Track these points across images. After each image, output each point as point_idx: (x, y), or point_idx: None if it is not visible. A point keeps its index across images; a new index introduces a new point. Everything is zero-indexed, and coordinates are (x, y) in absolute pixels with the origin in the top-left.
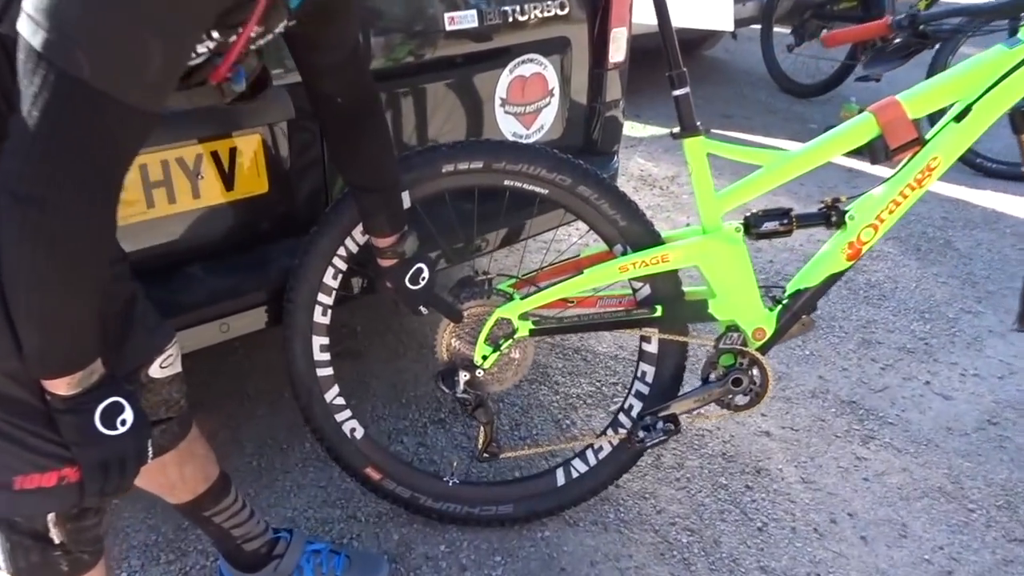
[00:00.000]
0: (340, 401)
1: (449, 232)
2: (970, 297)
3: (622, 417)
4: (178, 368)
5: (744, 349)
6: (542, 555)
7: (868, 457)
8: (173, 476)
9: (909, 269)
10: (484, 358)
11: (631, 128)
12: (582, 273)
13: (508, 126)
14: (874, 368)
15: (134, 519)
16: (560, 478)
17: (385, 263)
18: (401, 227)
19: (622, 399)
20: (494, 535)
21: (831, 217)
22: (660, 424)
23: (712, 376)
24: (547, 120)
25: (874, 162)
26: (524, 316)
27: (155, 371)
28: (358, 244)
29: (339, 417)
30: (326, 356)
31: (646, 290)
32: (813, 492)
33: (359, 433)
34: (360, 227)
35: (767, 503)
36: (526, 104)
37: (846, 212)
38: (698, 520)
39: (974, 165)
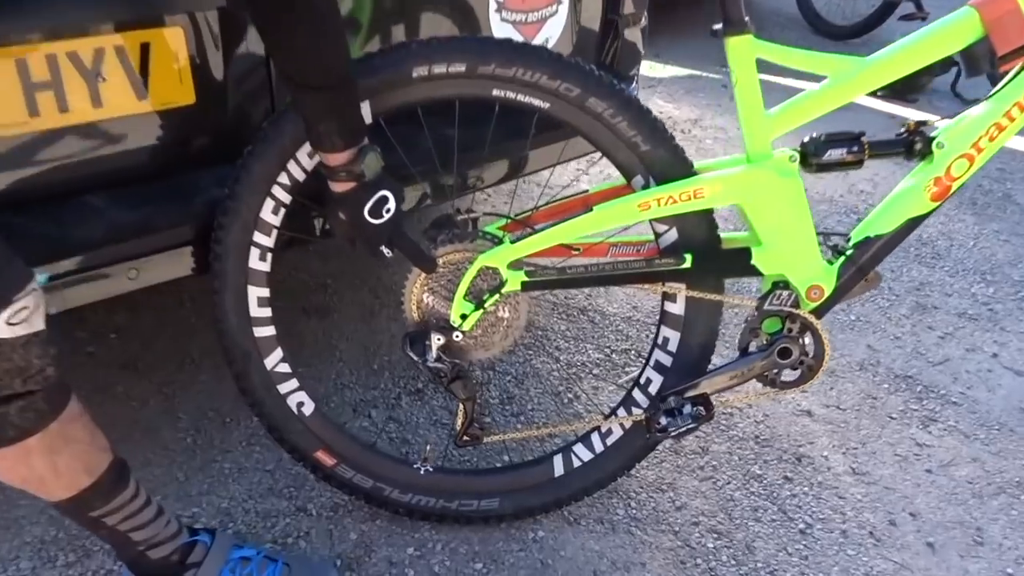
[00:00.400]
0: (284, 368)
1: (422, 161)
2: None
3: (637, 393)
4: (36, 326)
5: (795, 311)
6: (534, 561)
7: (930, 443)
8: (40, 467)
9: (965, 225)
10: (463, 317)
11: (650, 68)
12: (591, 211)
13: (505, 36)
14: (931, 337)
15: (31, 508)
16: (558, 467)
17: (338, 188)
18: (356, 140)
19: (638, 371)
20: (475, 536)
21: (914, 145)
22: (688, 407)
23: (753, 346)
24: (553, 32)
25: (971, 74)
26: (515, 265)
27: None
28: (305, 170)
29: (283, 388)
30: (265, 311)
31: (672, 235)
32: (866, 486)
33: (308, 408)
34: (308, 146)
35: (810, 499)
36: (528, 11)
37: (933, 139)
38: (727, 519)
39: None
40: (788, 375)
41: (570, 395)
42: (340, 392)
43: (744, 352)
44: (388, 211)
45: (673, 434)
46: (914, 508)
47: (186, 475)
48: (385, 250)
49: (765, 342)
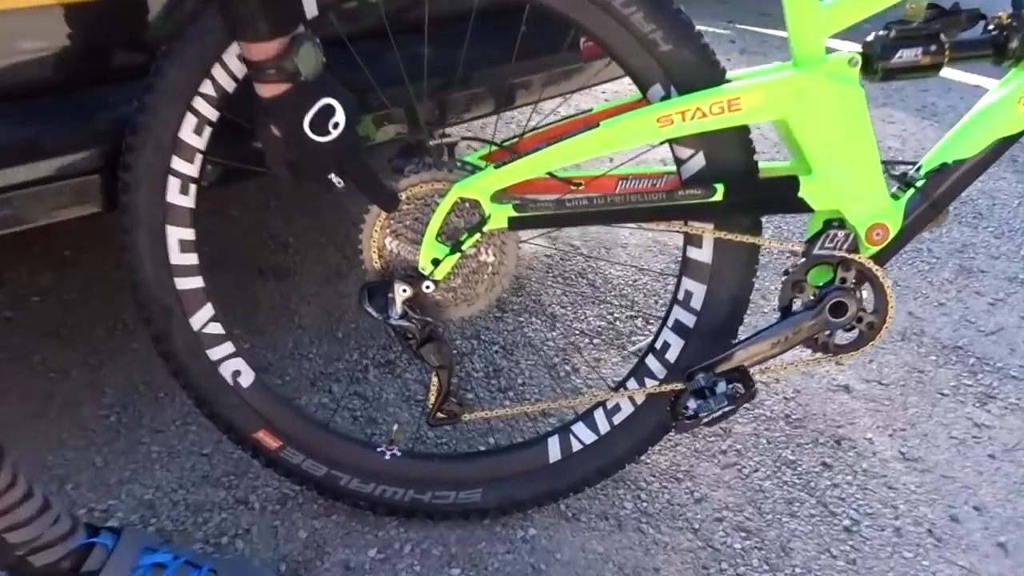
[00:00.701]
0: (215, 329)
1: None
2: None
3: (652, 361)
4: None
5: (852, 257)
6: (523, 566)
7: (990, 424)
8: None
9: (1007, 183)
10: (435, 263)
11: None
12: (597, 127)
13: None
14: (980, 303)
15: None
16: (554, 450)
17: (267, 91)
18: (287, 26)
19: (652, 335)
20: (452, 534)
21: (1008, 44)
22: (721, 385)
23: (798, 302)
24: None
25: None
26: (500, 197)
27: None
28: (236, 77)
29: (213, 353)
30: (190, 258)
31: (698, 160)
32: (920, 474)
33: (245, 378)
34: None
35: (855, 490)
36: None
37: None
38: (756, 514)
39: None
40: (842, 337)
41: (567, 368)
42: (297, 363)
43: (787, 311)
44: (336, 126)
45: (706, 420)
46: (979, 501)
47: (105, 460)
48: (334, 179)
49: (814, 296)
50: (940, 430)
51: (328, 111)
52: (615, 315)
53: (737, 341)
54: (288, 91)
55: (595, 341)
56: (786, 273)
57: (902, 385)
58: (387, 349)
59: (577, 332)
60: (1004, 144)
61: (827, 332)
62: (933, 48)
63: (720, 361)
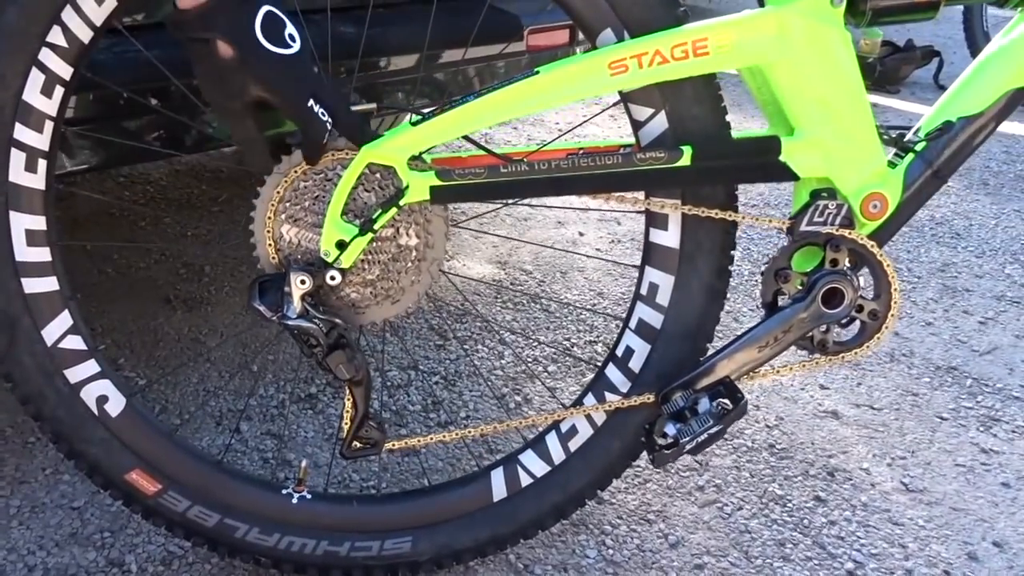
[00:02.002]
0: (75, 343)
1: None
2: None
3: (613, 372)
4: None
5: (845, 234)
6: None
7: (999, 449)
8: None
9: (981, 205)
10: (341, 247)
11: None
12: (536, 73)
13: None
14: (970, 323)
15: None
16: (498, 486)
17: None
18: None
19: (614, 341)
20: None
21: None
22: (704, 403)
23: (785, 294)
24: None
25: None
26: (419, 163)
27: None
28: (92, 24)
29: (73, 375)
30: (42, 254)
31: (659, 121)
32: (927, 507)
33: (114, 405)
34: None
35: (855, 527)
36: None
37: None
38: (742, 559)
39: None
40: (839, 333)
41: (518, 398)
42: (202, 400)
43: (772, 305)
44: (294, 39)
45: (689, 447)
46: (998, 535)
47: None
48: (317, 108)
49: (802, 285)
50: (944, 457)
51: (275, 20)
52: (572, 340)
53: (718, 349)
54: None
55: (549, 369)
56: (771, 260)
57: (896, 409)
58: (308, 382)
59: (529, 360)
60: (1017, 96)
61: (823, 328)
62: None
63: (699, 375)
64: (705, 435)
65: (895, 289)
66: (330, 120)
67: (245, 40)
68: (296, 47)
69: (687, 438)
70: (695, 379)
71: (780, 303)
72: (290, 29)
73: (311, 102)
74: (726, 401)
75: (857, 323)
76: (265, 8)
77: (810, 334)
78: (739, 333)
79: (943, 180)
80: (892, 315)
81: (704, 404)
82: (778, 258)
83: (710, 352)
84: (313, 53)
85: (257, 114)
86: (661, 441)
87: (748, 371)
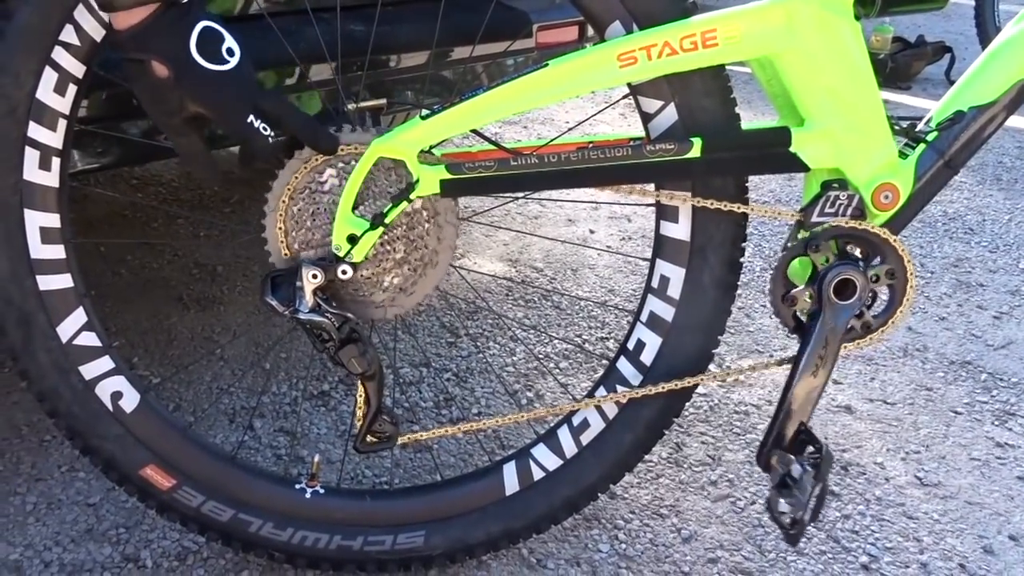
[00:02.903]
0: (90, 340)
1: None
2: None
3: (624, 365)
4: None
5: (858, 226)
6: None
7: (1014, 443)
8: None
9: (994, 200)
10: (352, 241)
11: None
12: (545, 66)
13: None
14: (984, 317)
15: None
16: (511, 480)
17: (132, 16)
18: None
19: (625, 334)
20: None
21: None
22: (797, 468)
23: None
24: None
25: None
26: (429, 157)
27: None
28: (104, 23)
29: (88, 371)
30: (56, 251)
31: (669, 113)
32: (942, 501)
33: (128, 401)
34: None
35: (869, 521)
36: None
37: None
38: (756, 553)
39: None
40: (857, 322)
41: (530, 394)
42: (215, 398)
43: (800, 328)
44: (231, 53)
45: (809, 519)
46: (1014, 529)
47: None
48: (257, 123)
49: (811, 298)
50: (959, 451)
51: (212, 35)
52: (584, 337)
53: (778, 401)
54: (157, 12)
55: (561, 365)
56: (785, 249)
57: (910, 404)
58: (321, 379)
59: (541, 357)
60: None
61: (857, 314)
62: None
63: (779, 434)
64: (814, 500)
65: (911, 279)
66: (271, 134)
67: (179, 59)
68: (234, 62)
69: (801, 512)
70: (777, 438)
71: (803, 320)
72: (228, 43)
73: (250, 117)
74: (811, 449)
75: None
76: (202, 24)
77: (850, 326)
78: (787, 377)
79: (955, 170)
80: (911, 285)
81: (797, 469)
82: (775, 286)
83: (775, 409)
84: (251, 67)
85: (200, 128)
86: (788, 521)
87: (815, 402)
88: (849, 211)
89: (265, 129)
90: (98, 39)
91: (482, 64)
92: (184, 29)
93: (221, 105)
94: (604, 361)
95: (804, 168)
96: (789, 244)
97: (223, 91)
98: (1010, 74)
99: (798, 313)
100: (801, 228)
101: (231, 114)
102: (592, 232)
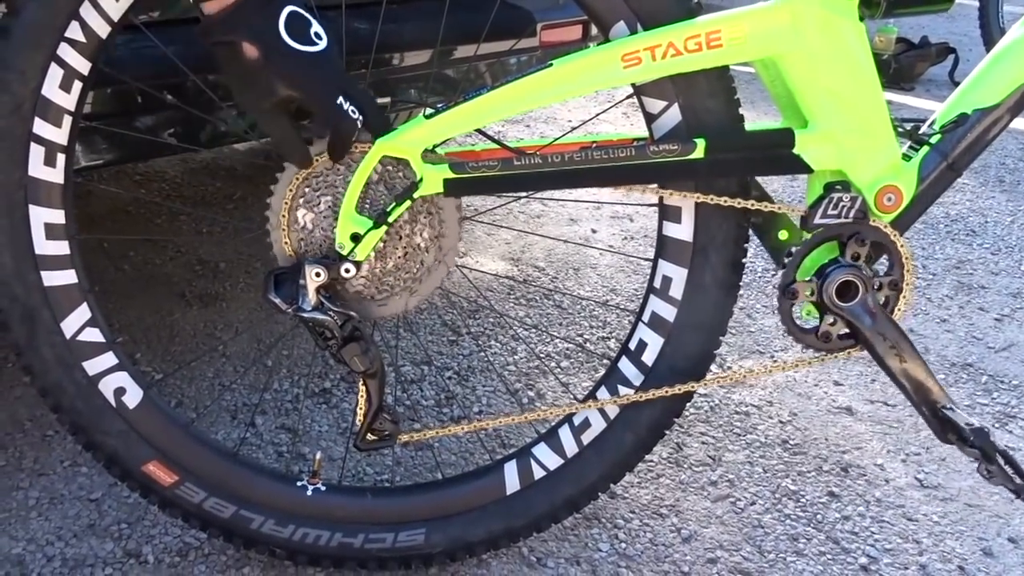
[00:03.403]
0: (94, 336)
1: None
2: None
3: (626, 365)
4: None
5: (865, 223)
6: None
7: (1015, 445)
8: None
9: (996, 202)
10: (355, 239)
11: None
12: (550, 66)
13: None
14: (986, 320)
15: None
16: (512, 479)
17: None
18: None
19: (627, 334)
20: None
21: None
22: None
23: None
24: None
25: None
26: (432, 156)
27: None
28: (110, 19)
29: (91, 367)
30: (61, 247)
31: (673, 114)
32: (942, 503)
33: (132, 397)
34: None
35: (869, 522)
36: None
37: None
38: (755, 553)
39: None
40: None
41: (531, 393)
42: (217, 394)
43: (786, 288)
44: (320, 37)
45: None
46: (1013, 531)
47: None
48: (347, 106)
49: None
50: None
51: (300, 19)
52: (585, 336)
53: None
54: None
55: (563, 364)
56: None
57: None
58: (323, 377)
59: (543, 356)
60: None
61: (832, 321)
62: None
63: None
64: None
65: (908, 278)
66: (360, 118)
67: (270, 40)
68: (322, 45)
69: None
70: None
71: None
72: (315, 27)
73: (340, 99)
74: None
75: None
76: (289, 8)
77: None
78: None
79: (958, 173)
80: (908, 284)
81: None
82: (800, 251)
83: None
84: (338, 51)
85: (290, 112)
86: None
87: (928, 377)
88: (852, 213)
89: (354, 112)
90: (104, 36)
91: (486, 63)
92: (273, 12)
93: (313, 86)
94: (605, 361)
95: (807, 170)
96: (794, 248)
97: (314, 72)
98: (1014, 77)
99: (828, 318)
100: (804, 229)
101: (323, 96)
102: (594, 231)
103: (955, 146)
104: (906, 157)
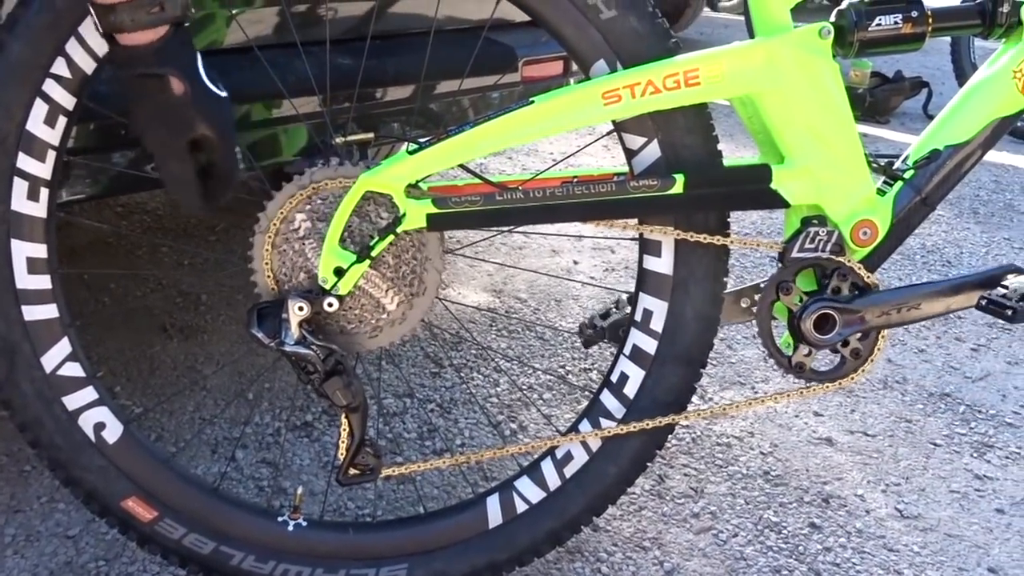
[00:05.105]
0: (74, 371)
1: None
2: None
3: (608, 398)
4: None
5: (838, 260)
6: None
7: (993, 475)
8: None
9: (971, 233)
10: (338, 273)
11: None
12: (531, 103)
13: None
14: (962, 349)
15: None
16: (494, 513)
17: (137, 38)
18: None
19: (608, 367)
20: None
21: (996, 11)
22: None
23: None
24: None
25: None
26: (415, 191)
27: None
28: (95, 56)
29: (71, 402)
30: (42, 281)
31: (652, 150)
32: (922, 533)
33: (111, 432)
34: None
35: (850, 553)
36: None
37: (1022, 5)
38: None
39: (1016, 131)
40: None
41: (513, 425)
42: (198, 428)
43: (797, 328)
44: (219, 84)
45: None
46: (993, 561)
47: None
48: (238, 155)
49: (799, 302)
50: (938, 484)
51: (206, 65)
52: (567, 368)
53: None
54: (172, 30)
55: (545, 396)
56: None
57: (890, 436)
58: (304, 410)
59: (525, 388)
60: (1003, 125)
61: (807, 352)
62: (915, 14)
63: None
64: None
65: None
66: (245, 167)
67: (194, 77)
68: (224, 93)
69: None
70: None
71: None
72: (212, 75)
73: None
74: None
75: (839, 357)
76: (198, 52)
77: (795, 359)
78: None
79: (931, 207)
80: (877, 357)
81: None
82: (779, 274)
83: None
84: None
85: (193, 155)
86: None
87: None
88: (828, 247)
89: (242, 163)
90: (89, 72)
91: (469, 98)
92: (192, 51)
93: (226, 128)
94: (588, 393)
95: (784, 204)
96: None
97: (226, 115)
98: (985, 113)
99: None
100: (782, 263)
101: (230, 139)
102: (576, 263)
103: (928, 181)
104: (881, 192)
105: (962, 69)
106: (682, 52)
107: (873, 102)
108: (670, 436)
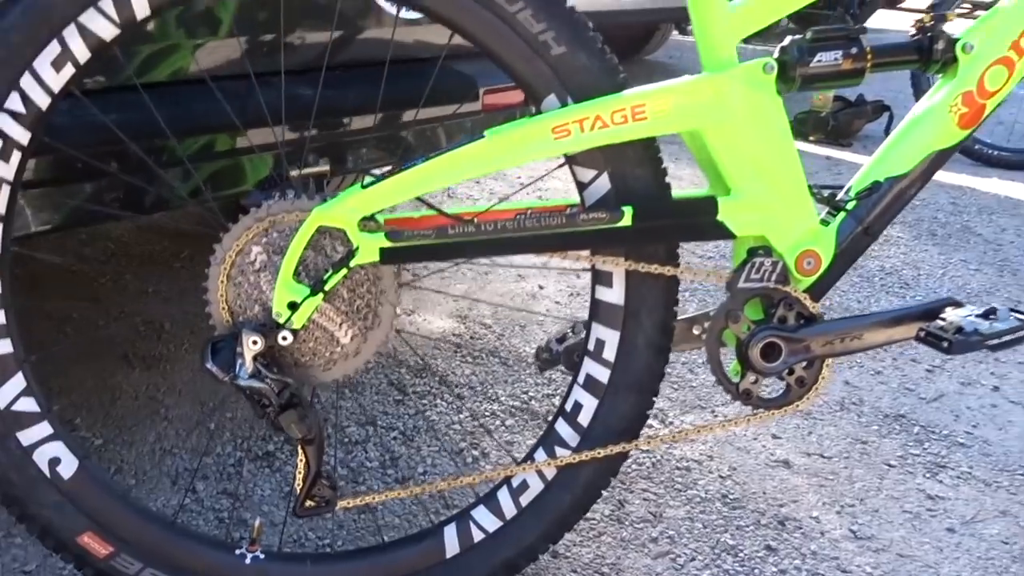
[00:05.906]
0: (28, 405)
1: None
2: (1013, 285)
3: (562, 427)
4: None
5: (784, 290)
6: None
7: (944, 495)
8: None
9: (929, 255)
10: (292, 307)
11: None
12: (483, 137)
13: None
14: (918, 371)
15: None
16: (451, 542)
17: None
18: None
19: (562, 397)
20: None
21: (933, 48)
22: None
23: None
24: None
25: None
26: (370, 224)
27: None
28: (50, 91)
29: (26, 437)
30: None
31: (602, 183)
32: (875, 554)
33: (67, 467)
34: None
35: (804, 574)
36: None
37: (957, 41)
38: None
39: (973, 153)
40: (769, 389)
41: (475, 452)
42: (158, 459)
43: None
44: None
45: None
46: None
47: None
48: None
49: (747, 330)
50: (891, 504)
51: None
52: (530, 394)
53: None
54: None
55: (507, 423)
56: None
57: (846, 457)
58: (266, 440)
59: (487, 414)
60: (940, 158)
61: (756, 381)
62: (854, 51)
63: None
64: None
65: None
66: None
67: None
68: None
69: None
70: None
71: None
72: None
73: None
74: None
75: (793, 382)
76: None
77: (742, 385)
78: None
79: (873, 237)
80: (822, 386)
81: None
82: (727, 303)
83: None
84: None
85: None
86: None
87: None
88: (774, 277)
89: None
90: (44, 107)
91: (430, 127)
92: None
93: None
94: (550, 418)
95: (731, 236)
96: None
97: None
98: (923, 146)
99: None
100: (729, 291)
101: None
102: (541, 287)
103: (870, 212)
104: (824, 223)
105: (922, 93)
106: (634, 85)
107: (836, 125)
108: (629, 461)
